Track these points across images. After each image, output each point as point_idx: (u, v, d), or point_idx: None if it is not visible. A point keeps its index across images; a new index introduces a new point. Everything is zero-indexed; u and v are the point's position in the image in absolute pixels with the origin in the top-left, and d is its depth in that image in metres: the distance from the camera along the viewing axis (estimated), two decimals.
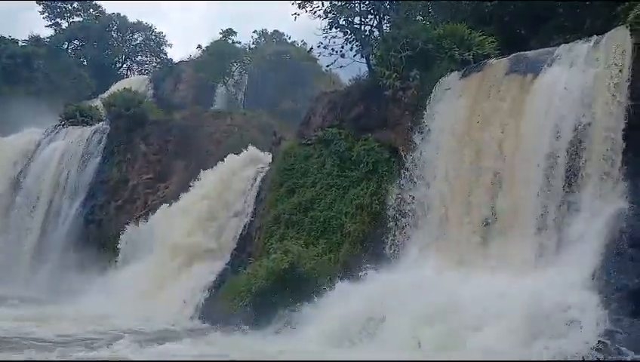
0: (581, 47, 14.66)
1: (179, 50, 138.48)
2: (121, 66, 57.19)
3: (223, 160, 25.35)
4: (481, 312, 12.56)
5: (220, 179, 24.85)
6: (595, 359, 10.70)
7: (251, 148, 25.49)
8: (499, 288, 12.98)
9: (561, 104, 14.05)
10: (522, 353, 11.27)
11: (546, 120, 14.23)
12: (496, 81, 16.04)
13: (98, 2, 57.19)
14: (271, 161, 23.30)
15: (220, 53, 41.41)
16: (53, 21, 55.98)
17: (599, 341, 10.93)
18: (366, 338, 13.61)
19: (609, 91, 13.38)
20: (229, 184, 24.43)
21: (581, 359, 10.75)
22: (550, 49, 15.66)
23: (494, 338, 11.70)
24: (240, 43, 45.64)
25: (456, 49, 17.71)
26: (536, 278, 12.90)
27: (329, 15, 20.60)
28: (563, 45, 15.38)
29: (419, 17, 21.16)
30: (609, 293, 11.78)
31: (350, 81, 22.24)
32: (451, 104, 16.96)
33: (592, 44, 14.48)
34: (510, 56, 16.27)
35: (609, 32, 14.33)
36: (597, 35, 14.66)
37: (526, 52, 16.15)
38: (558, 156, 13.81)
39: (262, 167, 23.88)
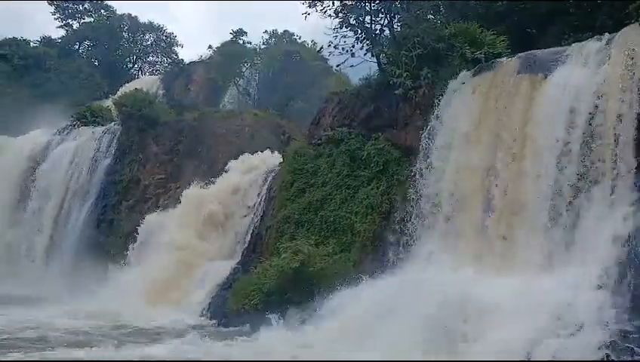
0: (593, 46, 14.54)
1: (185, 51, 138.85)
2: (132, 67, 57.46)
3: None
4: (491, 311, 12.50)
5: (230, 179, 25.00)
6: (607, 359, 10.63)
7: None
8: (510, 287, 12.90)
9: (573, 102, 13.96)
10: (533, 352, 11.22)
11: (558, 118, 14.14)
12: (507, 79, 15.96)
13: (109, 3, 57.56)
14: (281, 160, 23.33)
15: (231, 54, 41.51)
16: (64, 22, 56.38)
17: (611, 340, 10.85)
18: (377, 338, 13.55)
19: (621, 90, 13.27)
20: (240, 184, 24.56)
21: (591, 359, 10.68)
22: (562, 48, 15.57)
23: (505, 338, 11.63)
24: (250, 43, 45.80)
25: (468, 48, 17.64)
26: (547, 277, 12.83)
27: (339, 14, 20.54)
28: (575, 44, 15.28)
29: (429, 16, 21.08)
30: (621, 293, 11.70)
31: (360, 80, 22.21)
32: (463, 103, 16.90)
33: (604, 42, 14.36)
34: (522, 55, 16.17)
35: (621, 31, 14.21)
36: (609, 33, 14.56)
37: (538, 51, 16.06)
38: (570, 155, 13.72)
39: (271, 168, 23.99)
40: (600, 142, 13.40)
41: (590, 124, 13.58)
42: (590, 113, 13.63)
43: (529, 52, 16.13)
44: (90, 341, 15.50)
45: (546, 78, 14.98)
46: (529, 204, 14.30)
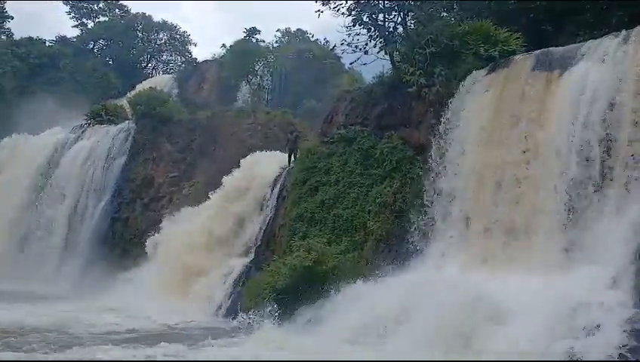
0: (609, 43, 14.35)
1: (199, 50, 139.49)
2: (147, 66, 57.81)
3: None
4: (505, 312, 12.41)
5: (243, 179, 25.02)
6: (623, 359, 10.52)
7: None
8: (524, 287, 12.80)
9: (590, 99, 13.80)
10: (548, 353, 11.12)
11: (573, 116, 13.99)
12: (522, 77, 15.83)
13: (123, 2, 57.97)
14: (293, 159, 23.33)
15: (244, 52, 41.63)
16: (79, 21, 56.89)
17: (627, 340, 10.73)
18: (389, 337, 13.50)
19: (638, 86, 13.11)
20: (253, 183, 24.58)
21: (607, 359, 10.57)
22: (577, 45, 15.38)
23: (519, 338, 11.54)
24: (263, 42, 45.92)
25: (482, 45, 17.52)
26: (562, 277, 12.69)
27: (352, 12, 20.44)
28: (591, 41, 15.09)
29: (443, 14, 20.97)
30: (636, 292, 11.57)
31: (373, 78, 22.13)
32: (477, 100, 16.79)
33: (620, 39, 14.18)
34: (537, 52, 16.03)
35: (637, 28, 14.02)
36: (625, 30, 14.38)
37: (553, 48, 15.90)
38: (586, 153, 13.56)
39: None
40: (617, 140, 13.24)
41: (607, 122, 13.42)
42: (607, 110, 13.47)
43: (544, 49, 15.96)
44: (96, 340, 15.53)
45: (561, 75, 14.83)
46: (544, 203, 14.16)
